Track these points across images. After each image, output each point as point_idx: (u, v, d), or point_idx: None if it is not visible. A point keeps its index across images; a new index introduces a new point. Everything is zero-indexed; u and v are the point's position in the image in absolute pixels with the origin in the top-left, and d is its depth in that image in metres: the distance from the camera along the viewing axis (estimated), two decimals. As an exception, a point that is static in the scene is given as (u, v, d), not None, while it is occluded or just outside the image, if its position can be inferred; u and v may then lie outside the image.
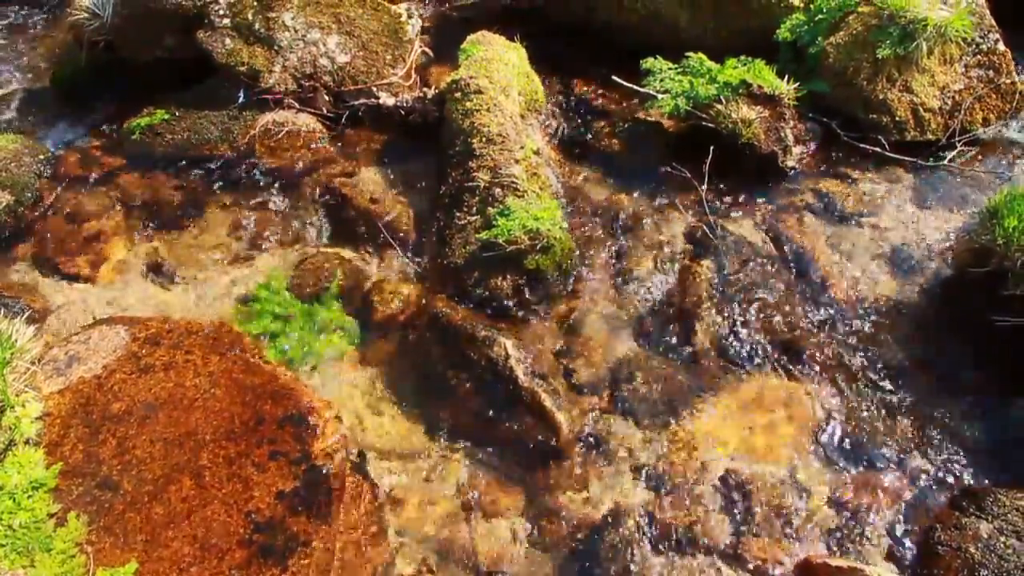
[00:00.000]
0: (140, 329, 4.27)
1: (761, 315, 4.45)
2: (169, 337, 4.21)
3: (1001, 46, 5.15)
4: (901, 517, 3.69)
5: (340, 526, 3.56)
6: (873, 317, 4.41)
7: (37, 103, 6.31)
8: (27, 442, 3.71)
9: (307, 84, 5.62)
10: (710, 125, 5.02)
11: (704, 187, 4.95)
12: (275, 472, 3.67)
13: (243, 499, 3.59)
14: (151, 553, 3.44)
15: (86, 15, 5.93)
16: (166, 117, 5.62)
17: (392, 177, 5.28)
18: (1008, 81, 5.14)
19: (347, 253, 4.91)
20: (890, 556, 3.59)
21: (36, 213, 5.30)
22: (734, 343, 4.35)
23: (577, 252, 4.73)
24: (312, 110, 5.59)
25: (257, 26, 5.65)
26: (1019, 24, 5.31)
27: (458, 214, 4.71)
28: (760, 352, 4.32)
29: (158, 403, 3.91)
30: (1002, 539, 3.44)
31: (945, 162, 5.08)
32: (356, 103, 5.62)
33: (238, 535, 3.49)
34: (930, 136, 5.14)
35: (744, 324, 4.42)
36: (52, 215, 5.30)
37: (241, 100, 5.61)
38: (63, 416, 3.86)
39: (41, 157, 5.60)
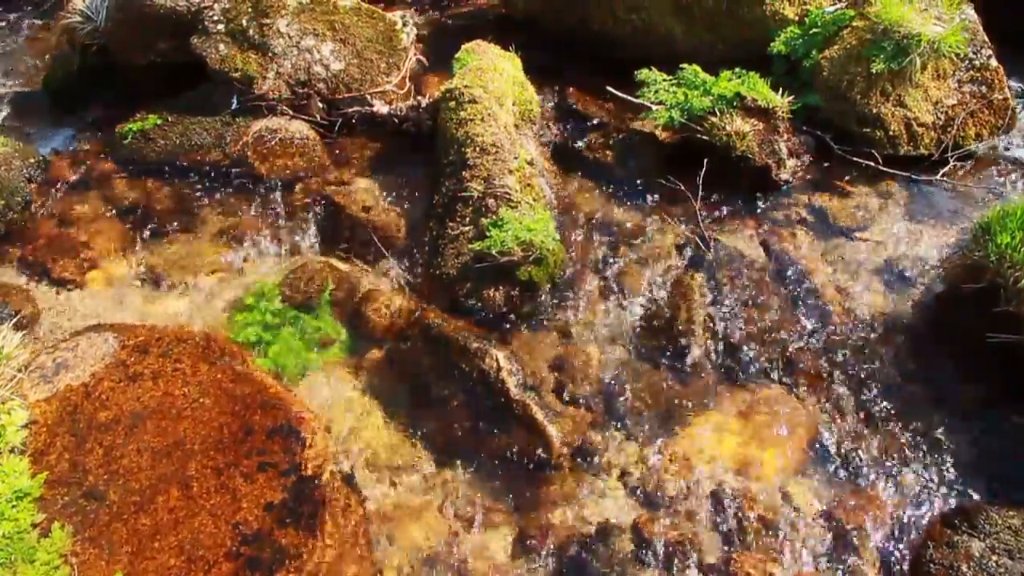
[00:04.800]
0: (129, 336, 4.23)
1: (754, 329, 4.45)
2: (158, 345, 4.17)
3: (994, 62, 5.18)
4: (893, 534, 3.68)
5: (328, 539, 3.53)
6: (866, 332, 4.41)
7: (29, 106, 6.28)
8: (12, 451, 3.67)
9: (301, 91, 5.60)
10: (704, 137, 5.02)
11: (698, 199, 4.95)
12: (264, 483, 3.63)
13: (231, 511, 3.55)
14: (137, 565, 3.40)
15: (79, 18, 5.92)
16: (158, 122, 5.59)
17: (385, 186, 5.26)
18: (1001, 97, 5.17)
19: (339, 262, 4.89)
20: (882, 573, 3.58)
21: (26, 217, 5.25)
22: (727, 357, 4.35)
23: (570, 263, 4.72)
24: (306, 117, 5.57)
25: (251, 32, 5.63)
26: (1011, 40, 5.34)
27: (451, 224, 4.69)
28: (752, 366, 4.31)
29: (146, 412, 3.87)
30: (994, 558, 3.43)
31: (938, 177, 5.10)
32: (350, 111, 5.61)
33: (225, 547, 3.45)
34: (923, 151, 5.16)
35: (737, 338, 4.41)
36: (42, 219, 5.26)
37: (234, 106, 5.58)
38: (49, 424, 3.82)
39: (32, 161, 5.56)
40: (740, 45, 5.58)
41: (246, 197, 5.29)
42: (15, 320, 4.43)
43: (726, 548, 3.68)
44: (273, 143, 5.42)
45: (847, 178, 5.17)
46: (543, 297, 4.54)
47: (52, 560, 3.33)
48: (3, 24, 7.15)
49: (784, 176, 5.09)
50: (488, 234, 4.45)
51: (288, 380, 4.27)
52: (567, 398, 4.21)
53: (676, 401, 4.18)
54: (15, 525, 3.36)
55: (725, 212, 5.03)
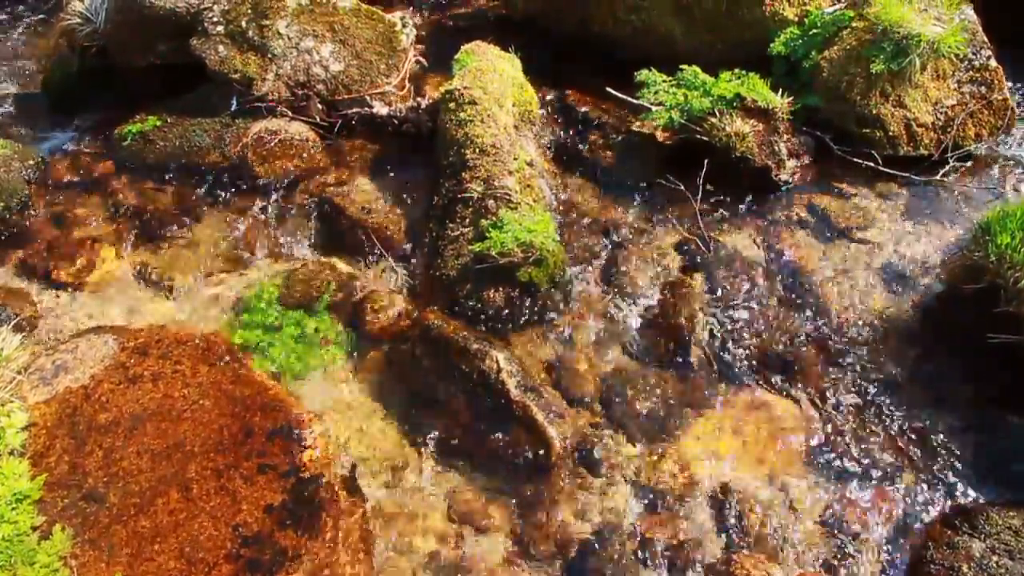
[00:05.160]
0: (129, 338, 4.24)
1: (753, 329, 4.45)
2: (158, 347, 4.17)
3: (993, 62, 5.17)
4: (893, 535, 3.68)
5: (329, 540, 3.53)
6: (865, 332, 4.41)
7: (28, 108, 6.27)
8: (12, 453, 3.67)
9: (300, 92, 5.59)
10: (704, 138, 5.02)
11: (697, 200, 4.95)
12: (263, 485, 3.63)
13: (231, 513, 3.55)
14: (136, 567, 3.40)
15: (79, 20, 5.91)
16: (158, 124, 5.59)
17: (385, 187, 5.26)
18: (1000, 97, 5.16)
19: (339, 263, 4.88)
20: (882, 574, 3.57)
21: (25, 219, 5.25)
22: (726, 357, 4.34)
23: (570, 264, 4.71)
24: (305, 118, 5.57)
25: (251, 34, 5.63)
26: (1011, 41, 5.33)
27: (451, 225, 4.69)
28: (752, 367, 4.30)
29: (146, 414, 3.87)
30: (994, 558, 3.43)
31: (938, 177, 5.09)
32: (349, 112, 5.61)
33: (225, 549, 3.45)
34: (923, 151, 5.15)
35: (736, 338, 4.41)
36: (41, 221, 5.26)
37: (234, 108, 5.58)
38: (49, 427, 3.82)
39: (31, 162, 5.56)
40: (740, 46, 5.57)
41: (246, 199, 5.28)
42: (14, 322, 4.43)
43: (726, 548, 3.67)
44: (273, 144, 5.41)
45: (847, 179, 5.16)
46: (543, 298, 4.53)
47: (52, 562, 3.33)
48: (3, 19, 7.14)
49: (784, 177, 5.09)
50: (488, 235, 4.45)
51: (288, 381, 4.27)
52: (567, 399, 4.20)
53: (676, 402, 4.18)
54: (15, 528, 3.36)
55: (725, 213, 5.03)
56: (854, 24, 5.26)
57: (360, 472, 3.97)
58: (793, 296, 4.59)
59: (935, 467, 3.88)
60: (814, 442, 4.01)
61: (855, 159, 5.16)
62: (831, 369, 4.27)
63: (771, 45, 5.43)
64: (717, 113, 5.02)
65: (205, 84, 5.70)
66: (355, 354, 4.45)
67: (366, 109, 5.60)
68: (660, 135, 5.32)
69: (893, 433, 4.02)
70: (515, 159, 4.84)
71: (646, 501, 3.85)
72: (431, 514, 3.84)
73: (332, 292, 4.65)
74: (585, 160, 5.42)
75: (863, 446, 3.98)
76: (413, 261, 4.87)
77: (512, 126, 5.09)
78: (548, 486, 3.90)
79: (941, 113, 5.14)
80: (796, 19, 5.48)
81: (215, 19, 5.65)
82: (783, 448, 4.00)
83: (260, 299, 4.63)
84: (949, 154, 5.11)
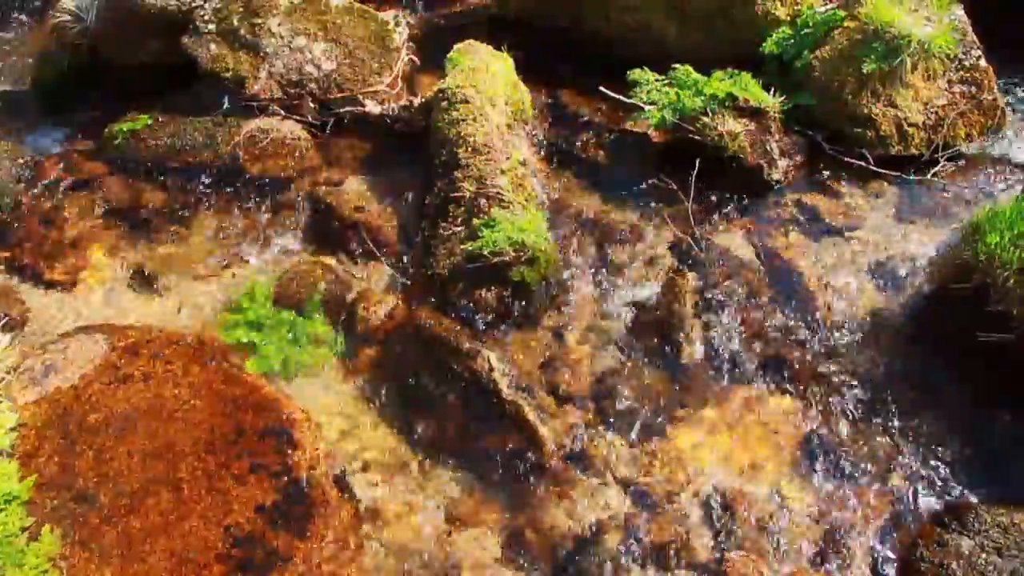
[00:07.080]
0: (119, 338, 4.21)
1: (745, 328, 4.46)
2: (149, 347, 4.15)
3: (983, 62, 5.20)
4: (884, 533, 3.70)
5: (320, 540, 3.52)
6: (856, 331, 4.42)
7: (17, 106, 6.22)
8: (0, 454, 3.64)
9: (293, 91, 5.58)
10: (696, 137, 5.03)
11: (690, 199, 4.96)
12: (255, 485, 3.62)
13: (222, 513, 3.54)
14: (127, 568, 3.39)
15: (69, 17, 5.87)
16: (149, 122, 5.55)
17: (377, 186, 5.25)
18: (990, 97, 5.19)
19: (331, 262, 4.87)
20: (873, 572, 3.59)
21: (14, 218, 5.21)
22: (719, 356, 4.35)
23: (562, 264, 4.71)
24: (297, 117, 5.54)
25: (243, 32, 5.61)
26: (1001, 41, 5.36)
27: (443, 224, 4.68)
28: (744, 366, 4.32)
29: (137, 414, 3.85)
30: (984, 556, 3.46)
31: (928, 177, 5.11)
32: (342, 111, 5.59)
33: (217, 550, 3.44)
34: (914, 151, 5.17)
35: (729, 337, 4.42)
36: (31, 220, 5.22)
37: (226, 106, 5.55)
38: (38, 427, 3.79)
39: (20, 161, 5.51)
40: (732, 45, 5.57)
41: (238, 198, 5.26)
42: (3, 322, 4.40)
43: (718, 547, 3.68)
44: (265, 143, 5.39)
45: (838, 178, 5.18)
46: (535, 297, 4.53)
47: (41, 564, 3.32)
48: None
49: (776, 176, 5.10)
50: (480, 234, 4.45)
51: (280, 381, 4.26)
52: (559, 398, 4.21)
53: (668, 401, 4.19)
54: (3, 529, 3.34)
55: (717, 212, 5.04)
56: (845, 24, 5.27)
57: (352, 471, 3.97)
58: (784, 295, 4.61)
59: (925, 465, 3.90)
60: (805, 441, 4.03)
61: (846, 158, 5.18)
62: (822, 368, 4.29)
63: (763, 44, 5.44)
64: (709, 112, 5.03)
65: (197, 83, 5.67)
66: (347, 353, 4.44)
67: (359, 108, 5.58)
68: (653, 134, 5.33)
69: (883, 431, 4.04)
70: (508, 158, 4.83)
71: (638, 500, 3.85)
72: (423, 513, 3.84)
73: (324, 291, 4.64)
74: (578, 159, 5.42)
75: (853, 444, 4.00)
76: (405, 260, 4.87)
77: (505, 125, 5.09)
78: (540, 485, 3.90)
79: (932, 113, 5.16)
80: (788, 19, 5.49)
81: (207, 17, 5.63)
82: (774, 447, 4.01)
83: (252, 298, 4.61)
84: (939, 154, 5.13)
